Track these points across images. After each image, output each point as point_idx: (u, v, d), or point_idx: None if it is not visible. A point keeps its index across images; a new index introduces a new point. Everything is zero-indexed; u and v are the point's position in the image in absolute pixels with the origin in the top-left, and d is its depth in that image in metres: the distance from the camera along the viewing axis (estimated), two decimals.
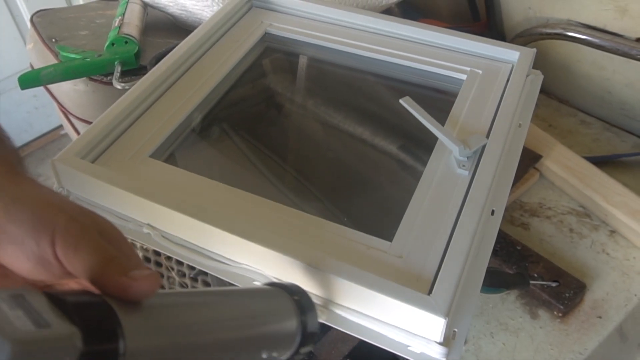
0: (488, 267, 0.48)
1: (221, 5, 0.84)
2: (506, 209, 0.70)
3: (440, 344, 0.42)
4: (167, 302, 0.30)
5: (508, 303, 0.63)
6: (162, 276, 0.66)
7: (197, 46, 0.67)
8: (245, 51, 0.69)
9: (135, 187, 0.49)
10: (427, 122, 0.56)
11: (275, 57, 0.75)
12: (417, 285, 0.44)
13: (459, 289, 0.43)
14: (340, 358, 0.55)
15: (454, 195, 0.52)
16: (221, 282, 0.50)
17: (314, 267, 0.43)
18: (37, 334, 0.22)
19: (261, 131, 0.70)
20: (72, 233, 0.30)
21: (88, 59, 0.81)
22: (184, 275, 0.65)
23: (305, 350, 0.37)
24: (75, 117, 0.89)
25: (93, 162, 0.54)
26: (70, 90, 0.85)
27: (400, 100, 0.58)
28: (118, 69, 0.80)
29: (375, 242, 0.48)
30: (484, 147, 0.55)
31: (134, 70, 0.82)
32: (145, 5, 0.92)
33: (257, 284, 0.46)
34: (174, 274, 0.65)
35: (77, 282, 0.33)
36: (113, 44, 0.82)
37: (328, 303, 0.45)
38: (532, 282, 0.61)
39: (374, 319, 0.44)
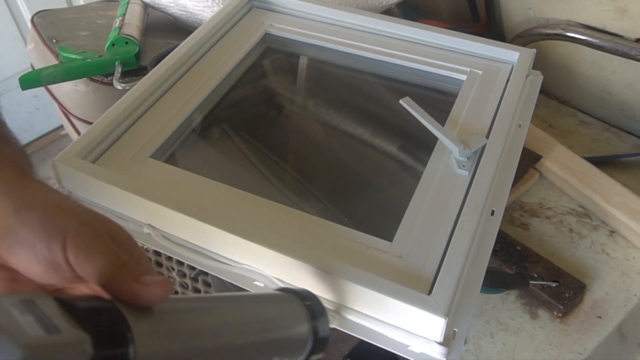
0: (488, 267, 0.48)
1: (221, 5, 0.84)
2: (506, 209, 0.70)
3: (440, 344, 0.42)
4: (177, 307, 0.30)
5: (508, 303, 0.63)
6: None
7: (198, 47, 0.67)
8: (245, 52, 0.69)
9: (135, 187, 0.49)
10: (427, 122, 0.56)
11: (275, 58, 0.75)
12: (417, 285, 0.44)
13: (459, 289, 0.43)
14: (340, 358, 0.55)
15: (454, 196, 0.52)
16: (221, 282, 0.50)
17: (314, 267, 0.44)
18: (47, 340, 0.22)
19: (261, 132, 0.70)
20: (83, 237, 0.29)
21: (89, 60, 0.81)
22: (184, 275, 0.65)
23: (316, 357, 0.36)
24: (76, 117, 0.89)
25: (94, 162, 0.54)
26: (70, 90, 0.85)
27: (401, 101, 0.58)
28: (119, 70, 0.80)
29: (375, 242, 0.48)
30: (483, 147, 0.55)
31: (134, 70, 0.82)
32: (146, 6, 0.92)
33: (258, 284, 0.47)
34: (174, 274, 0.65)
35: (88, 287, 0.33)
36: (114, 45, 0.82)
37: (328, 303, 0.45)
38: (532, 282, 0.62)
39: (374, 318, 0.44)
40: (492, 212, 0.52)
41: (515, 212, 0.72)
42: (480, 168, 0.53)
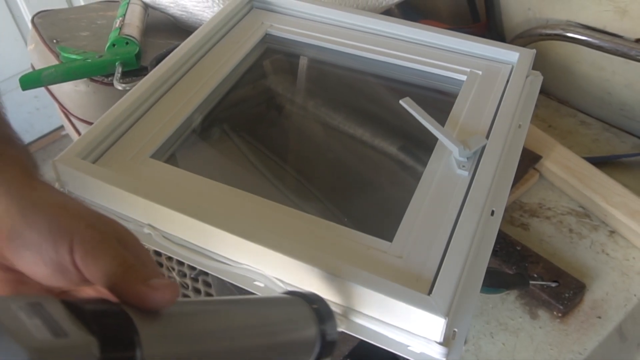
0: (488, 267, 0.48)
1: (222, 6, 0.85)
2: (506, 210, 0.70)
3: (440, 344, 0.42)
4: (184, 310, 0.30)
5: (508, 303, 0.63)
6: None
7: (198, 47, 0.67)
8: (245, 52, 0.69)
9: (136, 187, 0.49)
10: (427, 122, 0.56)
11: (275, 58, 0.75)
12: (417, 286, 0.44)
13: (459, 289, 0.43)
14: (340, 358, 0.55)
15: (454, 196, 0.52)
16: (222, 283, 0.50)
17: (314, 267, 0.44)
18: (54, 343, 0.22)
19: (262, 132, 0.70)
20: (90, 240, 0.29)
21: (89, 60, 0.81)
22: (184, 275, 0.65)
23: None
24: (76, 117, 0.89)
25: (94, 162, 0.54)
26: (71, 91, 0.85)
27: (401, 101, 0.58)
28: (119, 70, 0.80)
29: (376, 243, 0.48)
30: (483, 147, 0.55)
31: (134, 71, 0.82)
32: (146, 6, 0.92)
33: (258, 284, 0.47)
34: (174, 274, 0.65)
35: (94, 289, 0.33)
36: (114, 45, 0.82)
37: (329, 303, 0.45)
38: (531, 282, 0.62)
39: (374, 319, 0.44)
40: (492, 213, 0.52)
41: (515, 212, 0.72)
42: (480, 168, 0.53)
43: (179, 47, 0.66)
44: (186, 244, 0.49)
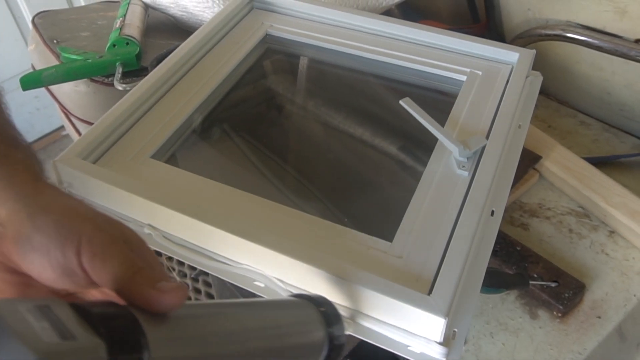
0: (488, 267, 0.48)
1: (222, 6, 0.85)
2: (506, 210, 0.70)
3: (440, 344, 0.42)
4: (192, 312, 0.30)
5: (508, 303, 0.63)
6: None
7: (198, 47, 0.67)
8: (246, 52, 0.70)
9: (136, 187, 0.49)
10: (427, 123, 0.56)
11: (276, 59, 0.75)
12: (417, 286, 0.44)
13: (459, 289, 0.43)
14: (341, 358, 0.55)
15: (454, 196, 0.52)
16: (222, 283, 0.50)
17: (314, 267, 0.44)
18: (62, 346, 0.22)
19: (262, 132, 0.70)
20: (98, 242, 0.29)
21: (89, 60, 0.81)
22: (185, 275, 0.65)
23: None
24: (77, 118, 0.89)
25: (94, 163, 0.54)
26: (71, 91, 0.85)
27: (400, 101, 0.58)
28: (119, 70, 0.80)
29: (376, 243, 0.48)
30: (483, 148, 0.55)
31: (135, 71, 0.82)
32: (147, 7, 0.92)
33: (259, 284, 0.47)
34: (175, 274, 0.65)
35: (101, 292, 0.33)
36: (114, 45, 0.82)
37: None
38: (531, 282, 0.62)
39: (374, 318, 0.44)
40: (492, 213, 0.52)
41: (515, 213, 0.72)
42: (480, 168, 0.53)
43: (179, 47, 0.66)
44: (186, 244, 0.49)
